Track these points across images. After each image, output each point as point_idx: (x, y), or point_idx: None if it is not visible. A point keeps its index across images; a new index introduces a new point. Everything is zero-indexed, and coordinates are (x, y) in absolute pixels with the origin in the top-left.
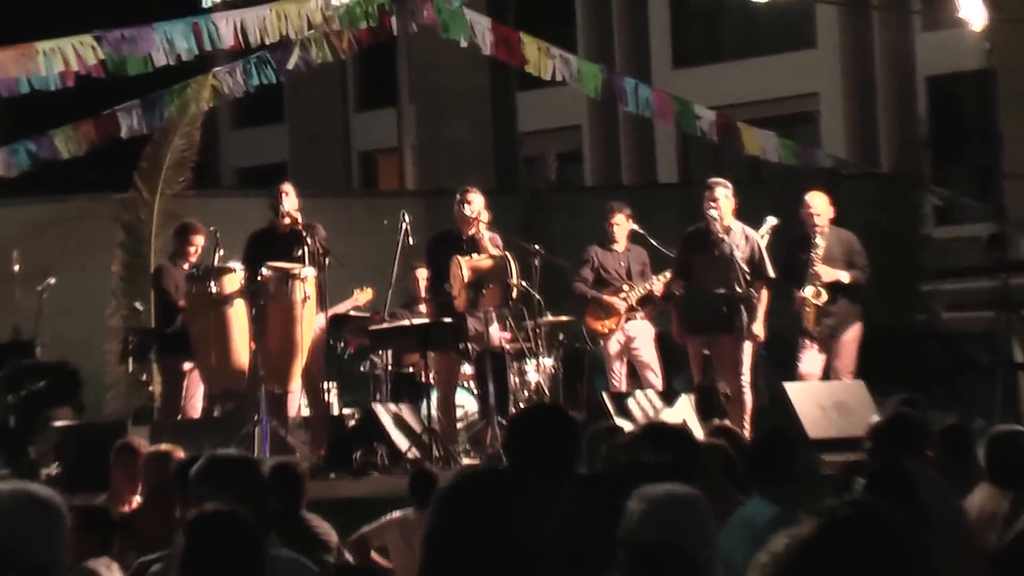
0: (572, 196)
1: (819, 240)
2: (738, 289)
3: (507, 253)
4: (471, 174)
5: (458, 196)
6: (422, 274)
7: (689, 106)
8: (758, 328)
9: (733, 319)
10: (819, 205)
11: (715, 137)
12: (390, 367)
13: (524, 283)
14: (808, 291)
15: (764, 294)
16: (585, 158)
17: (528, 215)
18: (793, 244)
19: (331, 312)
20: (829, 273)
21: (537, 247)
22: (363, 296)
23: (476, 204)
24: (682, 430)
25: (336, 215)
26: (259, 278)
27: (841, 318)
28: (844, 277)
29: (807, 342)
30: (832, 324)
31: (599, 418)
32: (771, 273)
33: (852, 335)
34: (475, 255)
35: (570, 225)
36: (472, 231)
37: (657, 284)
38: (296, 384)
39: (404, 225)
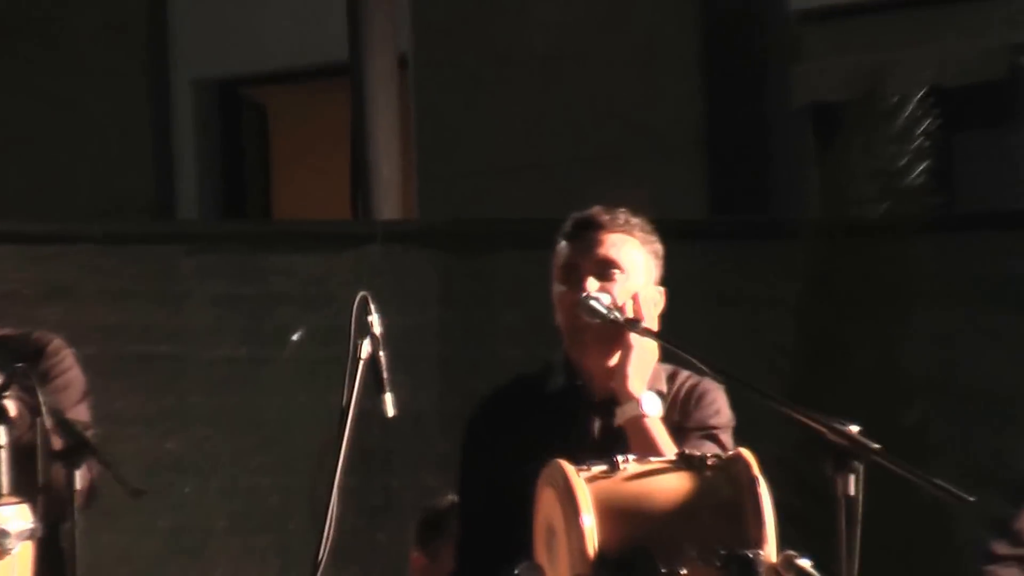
0: (985, 236)
1: None
2: None
3: (743, 452)
4: (622, 161)
5: (564, 243)
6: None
7: None
8: None
9: None
10: None
11: None
12: None
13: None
14: None
15: None
16: None
17: (819, 301)
18: None
19: None
20: None
21: (858, 430)
22: None
23: (636, 271)
24: None
25: (133, 308)
26: None
27: None
28: None
29: None
30: None
31: None
32: None
33: None
34: (627, 461)
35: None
36: (610, 365)
37: None
38: None
39: (365, 352)
